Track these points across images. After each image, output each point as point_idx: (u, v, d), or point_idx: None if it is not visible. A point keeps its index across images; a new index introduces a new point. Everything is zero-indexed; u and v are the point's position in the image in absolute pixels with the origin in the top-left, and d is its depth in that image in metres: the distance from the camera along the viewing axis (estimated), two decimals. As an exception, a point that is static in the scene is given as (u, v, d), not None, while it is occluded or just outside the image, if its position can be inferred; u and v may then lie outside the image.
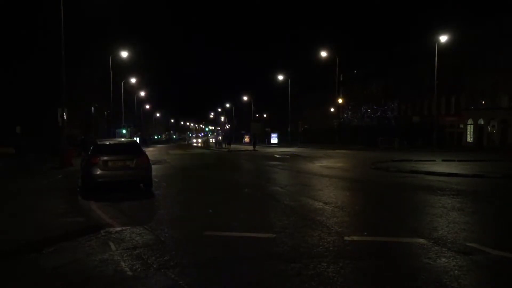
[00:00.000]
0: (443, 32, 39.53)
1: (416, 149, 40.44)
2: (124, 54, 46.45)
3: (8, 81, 37.38)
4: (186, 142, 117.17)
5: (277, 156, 32.83)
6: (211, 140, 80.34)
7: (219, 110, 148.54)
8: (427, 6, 61.21)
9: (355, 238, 6.87)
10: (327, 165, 22.23)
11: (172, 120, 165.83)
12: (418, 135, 46.89)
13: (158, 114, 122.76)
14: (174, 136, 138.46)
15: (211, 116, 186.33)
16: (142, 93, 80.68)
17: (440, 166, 20.08)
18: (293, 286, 4.86)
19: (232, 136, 66.26)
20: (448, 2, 48.92)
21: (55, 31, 23.16)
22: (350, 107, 66.59)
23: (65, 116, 21.92)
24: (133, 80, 64.76)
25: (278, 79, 69.31)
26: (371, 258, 5.86)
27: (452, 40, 40.92)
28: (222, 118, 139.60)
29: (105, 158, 11.94)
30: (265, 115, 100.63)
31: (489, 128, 43.69)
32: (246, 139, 77.01)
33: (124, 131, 57.45)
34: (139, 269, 5.48)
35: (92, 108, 55.31)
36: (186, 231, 7.67)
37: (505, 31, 40.06)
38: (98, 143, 13.35)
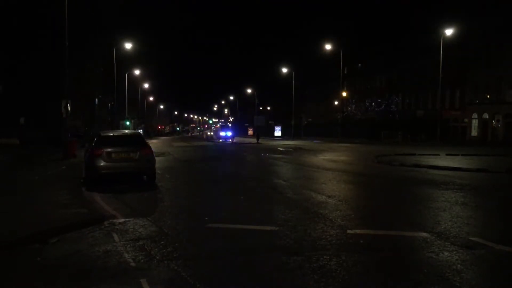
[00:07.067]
0: (448, 25, 39.23)
1: (420, 143, 40.34)
2: (128, 45, 46.37)
3: (12, 72, 37.42)
4: (189, 134, 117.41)
5: (280, 149, 32.80)
6: (209, 133, 79.71)
7: (223, 102, 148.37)
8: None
9: (357, 231, 6.87)
10: (330, 159, 22.22)
11: (176, 113, 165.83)
12: (422, 129, 46.74)
13: (161, 106, 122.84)
14: (178, 129, 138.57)
15: (215, 109, 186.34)
16: (146, 85, 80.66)
17: (444, 160, 20.03)
18: (295, 279, 4.87)
19: (233, 129, 65.85)
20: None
21: (60, 22, 23.12)
22: (354, 100, 66.34)
23: (68, 108, 21.94)
24: (137, 72, 64.70)
25: (282, 72, 69.13)
26: (373, 252, 5.86)
27: (457, 34, 40.61)
28: (226, 111, 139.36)
29: (109, 150, 11.94)
30: (268, 108, 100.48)
31: (494, 123, 43.47)
32: (250, 132, 77.08)
33: (127, 123, 57.52)
34: (142, 261, 5.51)
35: (96, 100, 55.30)
36: (189, 223, 7.70)
37: (510, 24, 39.70)
38: (102, 134, 13.32)
